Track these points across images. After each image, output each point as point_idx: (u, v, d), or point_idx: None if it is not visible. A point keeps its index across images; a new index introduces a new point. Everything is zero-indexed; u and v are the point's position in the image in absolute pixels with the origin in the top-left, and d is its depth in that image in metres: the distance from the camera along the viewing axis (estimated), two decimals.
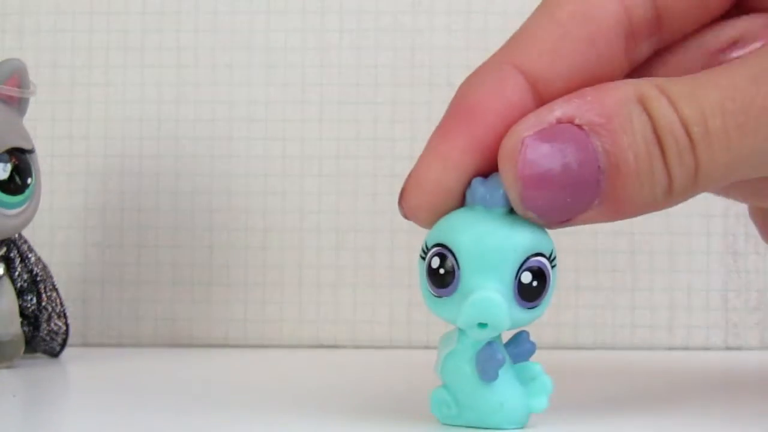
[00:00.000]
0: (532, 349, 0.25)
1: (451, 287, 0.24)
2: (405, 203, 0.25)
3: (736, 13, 0.27)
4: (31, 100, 0.40)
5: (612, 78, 0.25)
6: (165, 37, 0.48)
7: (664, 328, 0.47)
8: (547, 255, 0.24)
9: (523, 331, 0.26)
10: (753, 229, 0.47)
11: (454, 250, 0.24)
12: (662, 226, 0.47)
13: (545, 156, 0.23)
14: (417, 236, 0.26)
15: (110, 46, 0.48)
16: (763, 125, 0.23)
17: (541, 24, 0.26)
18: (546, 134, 0.23)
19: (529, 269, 0.24)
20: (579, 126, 0.23)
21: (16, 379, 0.35)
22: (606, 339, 0.47)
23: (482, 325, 0.24)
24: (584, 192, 0.23)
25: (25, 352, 0.39)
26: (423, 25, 0.48)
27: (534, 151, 0.23)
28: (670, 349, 0.46)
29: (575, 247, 0.47)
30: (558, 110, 0.24)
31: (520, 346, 0.25)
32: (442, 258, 0.24)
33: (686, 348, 0.46)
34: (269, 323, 0.47)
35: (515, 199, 0.24)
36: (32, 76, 0.39)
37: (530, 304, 0.24)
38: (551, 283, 0.25)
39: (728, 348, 0.46)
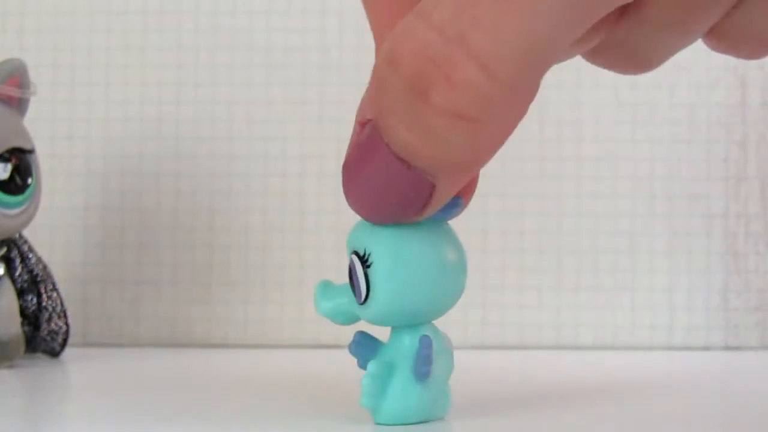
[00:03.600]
0: (422, 356, 0.25)
1: None
2: None
3: None
4: (32, 100, 0.40)
5: None
6: (165, 37, 0.48)
7: (664, 328, 0.47)
8: (360, 254, 0.24)
9: (424, 336, 0.25)
10: (753, 229, 0.47)
11: None
12: (662, 226, 0.47)
13: (349, 176, 0.23)
14: None
15: (110, 46, 0.48)
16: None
17: None
18: (351, 148, 0.23)
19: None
20: (372, 120, 0.22)
21: (16, 379, 0.35)
22: (606, 339, 0.47)
23: None
24: (399, 184, 0.22)
25: (26, 352, 0.39)
26: None
27: (344, 173, 0.23)
28: (670, 349, 0.46)
29: (575, 246, 0.47)
30: (360, 114, 0.23)
31: (417, 352, 0.25)
32: None
33: (686, 348, 0.46)
34: (269, 323, 0.47)
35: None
36: (32, 76, 0.39)
37: (357, 300, 0.25)
38: (365, 282, 0.24)
39: (728, 348, 0.46)
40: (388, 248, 0.24)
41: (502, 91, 0.19)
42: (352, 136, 0.23)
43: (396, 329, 0.25)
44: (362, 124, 0.22)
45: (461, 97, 0.19)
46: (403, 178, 0.21)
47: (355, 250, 0.24)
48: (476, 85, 0.19)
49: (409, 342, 0.25)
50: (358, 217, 0.25)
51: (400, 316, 0.25)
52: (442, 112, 0.20)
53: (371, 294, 0.24)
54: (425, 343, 0.25)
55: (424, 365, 0.25)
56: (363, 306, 0.25)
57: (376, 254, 0.24)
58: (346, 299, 0.25)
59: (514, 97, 0.20)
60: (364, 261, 0.24)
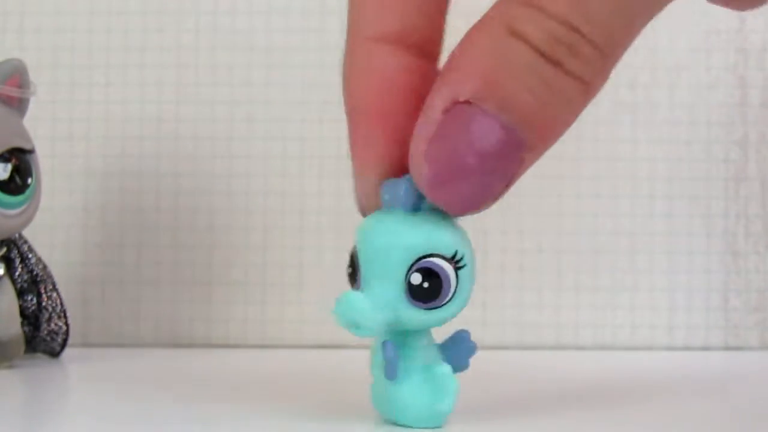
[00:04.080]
0: (470, 348, 0.25)
1: (355, 287, 0.25)
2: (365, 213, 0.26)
3: None
4: (32, 100, 0.40)
5: None
6: (165, 37, 0.48)
7: (664, 328, 0.47)
8: (448, 256, 0.24)
9: (462, 330, 0.26)
10: (753, 229, 0.47)
11: (356, 252, 0.25)
12: (662, 226, 0.47)
13: (448, 165, 0.23)
14: None
15: (110, 46, 0.48)
16: None
17: None
18: (439, 139, 0.23)
19: (419, 270, 0.24)
20: (466, 102, 0.22)
21: (16, 379, 0.35)
22: (606, 339, 0.47)
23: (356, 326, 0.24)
24: (505, 160, 0.23)
25: (26, 352, 0.39)
26: None
27: (435, 167, 0.23)
28: (670, 349, 0.46)
29: (575, 247, 0.47)
30: (438, 100, 0.23)
31: (457, 346, 0.25)
32: (351, 260, 0.25)
33: (686, 348, 0.46)
34: (269, 323, 0.47)
35: (448, 211, 0.24)
36: (32, 76, 0.39)
37: (427, 305, 0.24)
38: (455, 284, 0.24)
39: (728, 348, 0.46)
40: (470, 248, 0.25)
41: (606, 63, 0.23)
42: (427, 126, 0.23)
43: (403, 334, 0.25)
44: (447, 110, 0.23)
45: (584, 66, 0.22)
46: (498, 150, 0.22)
47: (435, 252, 0.24)
48: (593, 58, 0.22)
49: (427, 341, 0.25)
50: (357, 219, 0.25)
51: (455, 316, 0.25)
52: (573, 75, 0.22)
53: (456, 295, 0.24)
54: (467, 336, 0.25)
55: (468, 358, 0.25)
56: (438, 309, 0.24)
57: (466, 255, 0.24)
58: (404, 305, 0.24)
59: (611, 65, 0.23)
60: (457, 262, 0.24)
